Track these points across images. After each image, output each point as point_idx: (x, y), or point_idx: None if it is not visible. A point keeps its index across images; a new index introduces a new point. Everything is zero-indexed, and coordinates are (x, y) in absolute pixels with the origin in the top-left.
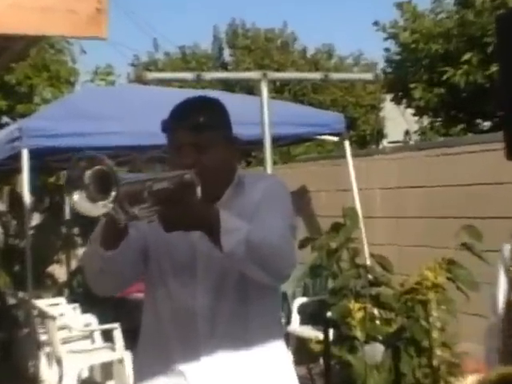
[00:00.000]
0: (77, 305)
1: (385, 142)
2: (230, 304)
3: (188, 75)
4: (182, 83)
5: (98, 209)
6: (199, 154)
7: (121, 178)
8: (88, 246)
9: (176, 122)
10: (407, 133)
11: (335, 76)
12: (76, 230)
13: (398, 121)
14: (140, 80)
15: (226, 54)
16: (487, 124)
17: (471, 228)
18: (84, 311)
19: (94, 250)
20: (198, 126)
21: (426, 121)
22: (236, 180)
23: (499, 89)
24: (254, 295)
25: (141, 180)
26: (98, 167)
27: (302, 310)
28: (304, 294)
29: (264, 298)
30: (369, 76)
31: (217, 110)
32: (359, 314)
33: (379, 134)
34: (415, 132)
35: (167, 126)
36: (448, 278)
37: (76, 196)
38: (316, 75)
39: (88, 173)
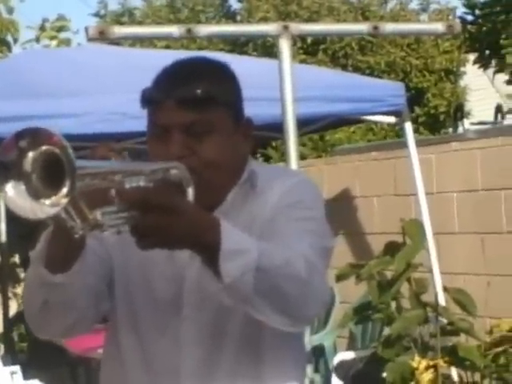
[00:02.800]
0: (17, 368)
1: (467, 124)
2: (230, 363)
3: (173, 30)
4: (169, 42)
5: (43, 209)
6: (195, 140)
7: (79, 166)
8: (29, 269)
9: (162, 92)
10: (500, 109)
11: (389, 28)
12: (16, 258)
13: (487, 92)
14: (104, 38)
15: (234, 0)
16: None
17: None
18: (28, 377)
19: (35, 274)
20: (195, 99)
21: None
22: (245, 176)
23: None
24: (267, 348)
25: (107, 171)
26: (45, 148)
27: (344, 369)
28: (350, 348)
29: (281, 351)
30: (438, 27)
31: (223, 77)
32: (427, 376)
33: (459, 112)
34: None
35: (149, 99)
36: None
37: (10, 189)
38: (362, 27)
39: (30, 156)
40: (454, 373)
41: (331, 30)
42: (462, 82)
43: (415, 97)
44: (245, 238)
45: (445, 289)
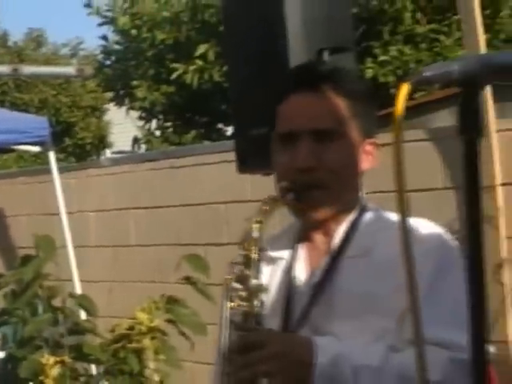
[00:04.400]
0: None
1: (109, 153)
2: None
3: None
4: None
5: None
6: None
7: None
8: None
9: None
10: (136, 141)
11: (28, 70)
12: None
13: (126, 126)
14: None
15: None
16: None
17: (195, 257)
18: None
19: None
20: None
21: (155, 126)
22: None
23: (229, 89)
24: None
25: None
26: None
27: None
28: (3, 348)
29: None
30: (71, 71)
31: None
32: (55, 371)
33: (102, 143)
34: (142, 140)
35: None
36: (168, 320)
37: None
38: (3, 69)
39: None
40: (87, 367)
41: None
42: (106, 117)
43: (65, 130)
44: None
45: (71, 295)
